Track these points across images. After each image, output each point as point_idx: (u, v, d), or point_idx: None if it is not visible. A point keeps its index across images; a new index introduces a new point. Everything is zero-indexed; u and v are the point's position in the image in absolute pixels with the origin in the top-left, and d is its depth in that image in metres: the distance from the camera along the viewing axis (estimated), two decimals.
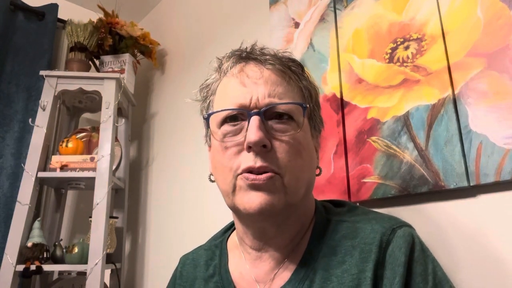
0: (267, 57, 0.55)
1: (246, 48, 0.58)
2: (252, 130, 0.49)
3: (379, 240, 0.50)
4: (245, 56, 0.57)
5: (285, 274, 0.54)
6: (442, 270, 0.51)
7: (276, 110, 0.52)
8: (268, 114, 0.52)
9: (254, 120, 0.50)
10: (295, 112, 0.53)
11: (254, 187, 0.50)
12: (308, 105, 0.55)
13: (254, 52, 0.57)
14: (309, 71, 1.02)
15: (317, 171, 0.60)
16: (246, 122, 0.52)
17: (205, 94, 0.61)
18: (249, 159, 0.50)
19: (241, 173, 0.51)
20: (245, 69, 0.55)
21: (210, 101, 0.60)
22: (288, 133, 0.52)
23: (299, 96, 0.56)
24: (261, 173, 0.49)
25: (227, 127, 0.53)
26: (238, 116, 0.53)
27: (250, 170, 0.50)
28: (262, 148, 0.50)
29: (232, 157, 0.52)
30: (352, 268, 0.49)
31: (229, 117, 0.54)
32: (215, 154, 0.56)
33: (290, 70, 0.56)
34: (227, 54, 0.59)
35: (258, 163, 0.49)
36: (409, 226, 0.54)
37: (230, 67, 0.57)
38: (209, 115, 0.57)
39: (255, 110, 0.51)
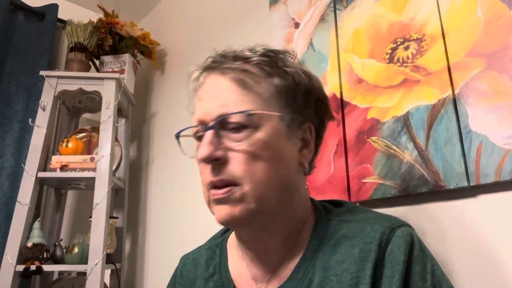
0: (227, 65, 0.54)
1: (213, 56, 0.57)
2: (202, 145, 0.51)
3: (378, 239, 0.50)
4: (206, 67, 0.57)
5: (284, 273, 0.55)
6: (440, 270, 0.51)
7: (228, 120, 0.52)
8: (222, 125, 0.52)
9: (207, 135, 0.52)
10: (247, 119, 0.51)
11: (218, 201, 0.52)
12: (265, 107, 0.53)
13: (219, 57, 0.56)
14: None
15: (305, 169, 0.57)
16: None
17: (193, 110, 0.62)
18: (209, 174, 0.52)
19: (210, 188, 0.53)
20: (205, 82, 0.56)
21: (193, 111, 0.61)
22: (243, 141, 0.51)
23: (259, 98, 0.53)
24: (221, 186, 0.51)
25: (197, 142, 0.56)
26: (202, 135, 0.55)
27: (214, 185, 0.52)
28: (217, 162, 0.51)
29: (202, 171, 0.54)
30: (352, 267, 0.50)
31: (196, 136, 0.56)
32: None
33: (250, 72, 0.54)
34: (195, 67, 0.59)
35: (216, 177, 0.51)
36: (409, 225, 0.54)
37: (194, 81, 0.58)
38: (177, 135, 0.58)
39: (210, 124, 0.52)
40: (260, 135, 0.51)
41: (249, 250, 0.59)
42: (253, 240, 0.58)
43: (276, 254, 0.56)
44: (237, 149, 0.51)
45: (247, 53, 0.55)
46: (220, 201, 0.51)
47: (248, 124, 0.51)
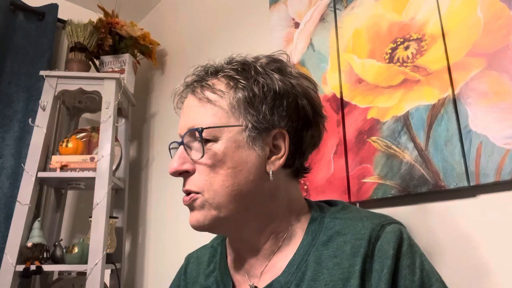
0: (198, 83, 0.59)
1: (194, 72, 0.61)
2: (172, 160, 0.57)
3: (368, 236, 0.52)
4: (184, 88, 0.61)
5: (277, 268, 0.57)
6: (430, 265, 0.53)
7: (193, 135, 0.57)
8: (190, 139, 0.57)
9: (178, 149, 0.58)
10: (208, 133, 0.55)
11: (188, 207, 0.58)
12: (223, 121, 0.56)
13: (198, 75, 0.60)
14: (309, 71, 1.02)
15: (271, 177, 0.57)
16: None
17: None
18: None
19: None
20: (184, 101, 0.61)
21: None
22: (205, 154, 0.55)
23: (225, 111, 0.56)
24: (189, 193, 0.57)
25: None
26: None
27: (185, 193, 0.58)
28: (185, 173, 0.57)
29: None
30: (343, 262, 0.52)
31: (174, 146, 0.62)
32: None
33: (218, 88, 0.57)
34: (179, 85, 0.63)
35: (183, 187, 0.58)
36: (399, 223, 0.56)
37: (178, 101, 0.63)
38: (169, 148, 0.64)
39: (180, 140, 0.58)
40: (217, 147, 0.55)
41: (239, 248, 0.62)
42: (237, 240, 0.61)
43: (265, 250, 0.59)
44: (200, 161, 0.55)
45: (224, 66, 0.60)
46: (188, 207, 0.58)
47: (208, 138, 0.55)
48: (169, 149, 0.64)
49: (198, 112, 0.57)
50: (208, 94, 0.57)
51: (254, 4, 1.35)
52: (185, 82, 0.61)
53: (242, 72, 0.58)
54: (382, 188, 0.80)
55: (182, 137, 0.57)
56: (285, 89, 0.57)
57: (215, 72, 0.59)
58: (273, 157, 0.57)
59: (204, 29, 1.61)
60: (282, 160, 0.57)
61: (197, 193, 0.56)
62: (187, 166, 0.56)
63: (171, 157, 0.62)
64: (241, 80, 0.57)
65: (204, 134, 0.55)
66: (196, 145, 0.56)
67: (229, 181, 0.54)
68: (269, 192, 0.57)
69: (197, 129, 0.55)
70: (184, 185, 0.57)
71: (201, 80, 0.59)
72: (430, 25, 0.79)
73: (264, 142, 0.56)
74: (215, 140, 0.55)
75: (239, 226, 0.57)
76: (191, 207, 0.57)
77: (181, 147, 0.57)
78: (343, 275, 0.51)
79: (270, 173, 0.56)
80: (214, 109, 0.56)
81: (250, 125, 0.55)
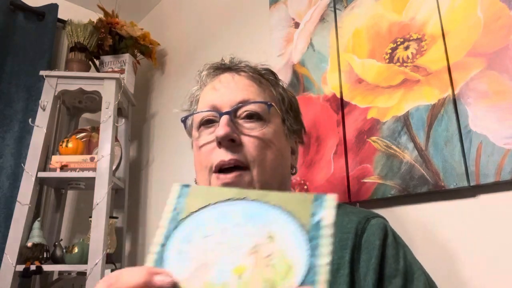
0: (241, 65, 0.61)
1: (224, 60, 0.65)
2: (220, 126, 0.55)
3: (355, 229, 0.55)
4: (221, 66, 0.63)
5: None
6: (412, 255, 0.55)
7: (244, 109, 0.57)
8: (238, 114, 0.57)
9: (223, 118, 0.56)
10: (263, 111, 0.57)
11: (226, 185, 0.54)
12: (276, 107, 0.60)
13: (231, 62, 0.63)
14: (309, 71, 1.02)
15: (293, 170, 0.65)
16: (218, 122, 0.57)
17: (189, 103, 0.67)
18: (221, 154, 0.55)
19: (214, 171, 0.55)
20: (220, 77, 0.61)
21: (193, 110, 0.66)
22: (256, 129, 0.56)
23: (271, 98, 0.60)
24: (230, 169, 0.54)
25: (203, 129, 0.59)
26: (213, 120, 0.58)
27: (221, 166, 0.54)
28: (231, 143, 0.55)
29: (206, 155, 0.57)
30: (332, 255, 0.53)
31: (205, 120, 0.58)
32: (195, 155, 0.61)
33: (263, 77, 0.61)
34: (205, 66, 0.64)
35: (228, 156, 0.54)
36: (383, 218, 0.59)
37: (207, 77, 0.63)
38: (185, 118, 0.63)
39: (226, 110, 0.57)
40: (270, 127, 0.57)
41: None
42: None
43: None
44: (251, 134, 0.56)
45: (256, 65, 0.63)
46: (228, 185, 0.54)
47: (261, 116, 0.57)
48: (184, 120, 0.63)
49: (250, 90, 0.58)
50: (261, 79, 0.60)
51: (254, 4, 1.35)
52: (225, 62, 0.63)
53: (274, 76, 0.63)
54: (382, 188, 0.80)
55: (235, 107, 0.56)
56: (297, 105, 0.66)
57: (251, 68, 0.62)
58: (293, 156, 0.64)
59: (204, 29, 1.61)
60: (296, 162, 0.65)
61: (245, 168, 0.54)
62: (236, 135, 0.55)
63: (185, 128, 0.65)
64: (278, 83, 0.63)
65: (259, 110, 0.57)
66: (243, 119, 0.57)
67: (278, 160, 0.57)
68: (287, 183, 0.62)
69: (266, 103, 0.57)
70: (227, 154, 0.54)
71: (249, 67, 0.62)
72: (430, 25, 0.79)
73: (290, 140, 0.63)
74: (266, 120, 0.57)
75: None
76: (235, 184, 0.53)
77: (227, 116, 0.56)
78: (332, 267, 0.53)
79: (294, 167, 0.63)
80: (265, 94, 0.59)
81: (289, 122, 0.61)
